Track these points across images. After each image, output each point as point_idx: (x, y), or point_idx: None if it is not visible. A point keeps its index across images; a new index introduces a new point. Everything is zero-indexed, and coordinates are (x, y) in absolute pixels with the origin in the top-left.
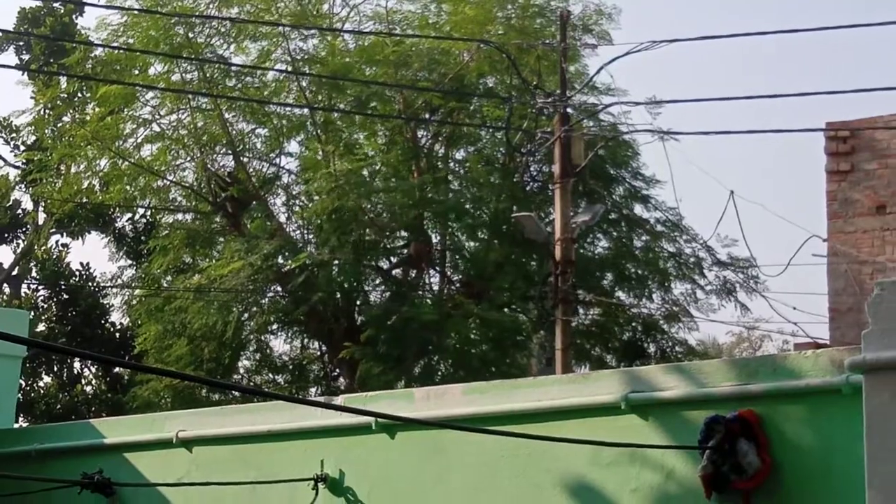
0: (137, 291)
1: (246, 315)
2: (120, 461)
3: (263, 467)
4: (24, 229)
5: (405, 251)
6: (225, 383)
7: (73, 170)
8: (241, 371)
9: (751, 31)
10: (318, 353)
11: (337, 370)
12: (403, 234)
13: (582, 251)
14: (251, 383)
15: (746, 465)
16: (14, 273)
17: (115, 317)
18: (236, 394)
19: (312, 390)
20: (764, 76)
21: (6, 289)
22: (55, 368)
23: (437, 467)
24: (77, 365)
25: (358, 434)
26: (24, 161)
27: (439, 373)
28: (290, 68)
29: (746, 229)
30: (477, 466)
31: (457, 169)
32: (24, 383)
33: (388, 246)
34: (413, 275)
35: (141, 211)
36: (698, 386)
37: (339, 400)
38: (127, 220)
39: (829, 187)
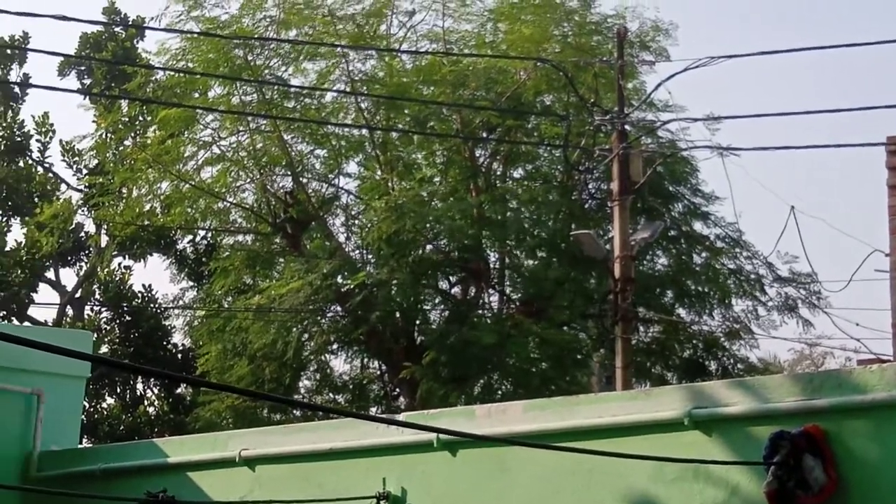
0: (199, 312)
1: (306, 335)
2: (183, 480)
3: (325, 485)
4: (86, 252)
5: (464, 271)
6: (290, 400)
7: (134, 193)
8: (302, 391)
9: (809, 45)
10: (378, 373)
11: (397, 389)
12: (462, 253)
13: (641, 268)
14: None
15: (812, 480)
16: (77, 295)
17: (177, 338)
18: (297, 414)
19: (373, 410)
20: (823, 90)
21: (70, 311)
22: (118, 390)
23: (498, 484)
24: (140, 386)
25: (419, 451)
26: (87, 185)
27: (499, 392)
28: (348, 89)
29: (807, 245)
30: (538, 483)
31: (515, 187)
32: (87, 405)
33: (447, 265)
34: (472, 294)
35: (202, 233)
36: (762, 401)
37: (400, 418)
38: (188, 242)
39: (891, 201)
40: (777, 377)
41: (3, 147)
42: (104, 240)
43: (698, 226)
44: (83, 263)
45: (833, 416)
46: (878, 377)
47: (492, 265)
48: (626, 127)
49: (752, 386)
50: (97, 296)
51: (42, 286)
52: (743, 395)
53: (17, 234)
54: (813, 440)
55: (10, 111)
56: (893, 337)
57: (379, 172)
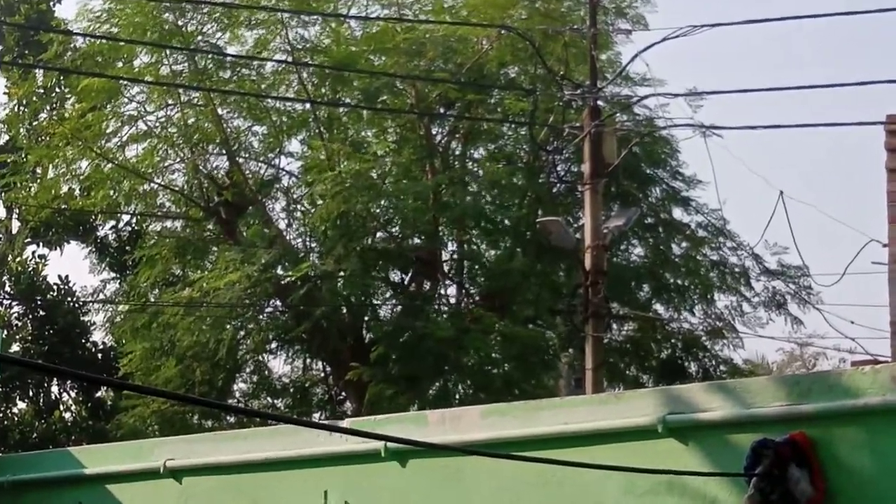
0: (122, 307)
1: (242, 332)
2: (102, 493)
3: (260, 499)
4: None
5: (418, 261)
6: (223, 404)
7: (50, 172)
8: (237, 394)
9: (800, 13)
10: (322, 375)
11: (343, 393)
12: (416, 242)
13: (615, 260)
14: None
15: (798, 493)
16: None
17: (97, 336)
18: (231, 420)
19: (316, 415)
20: (817, 65)
21: None
22: (31, 393)
23: (453, 498)
24: (55, 389)
25: (365, 461)
26: None
27: (457, 395)
28: (289, 58)
29: (798, 234)
30: (497, 497)
31: (475, 169)
32: None
33: (400, 255)
34: (427, 287)
35: (126, 218)
36: (744, 406)
37: (344, 424)
38: (110, 229)
39: (890, 187)
40: (760, 379)
41: None
42: (15, 225)
43: (678, 213)
44: None
45: (821, 423)
46: (872, 380)
47: (449, 254)
48: (599, 102)
49: (732, 389)
50: (7, 288)
51: None
52: (722, 399)
53: None
54: (799, 449)
55: None
56: (891, 336)
57: (324, 152)
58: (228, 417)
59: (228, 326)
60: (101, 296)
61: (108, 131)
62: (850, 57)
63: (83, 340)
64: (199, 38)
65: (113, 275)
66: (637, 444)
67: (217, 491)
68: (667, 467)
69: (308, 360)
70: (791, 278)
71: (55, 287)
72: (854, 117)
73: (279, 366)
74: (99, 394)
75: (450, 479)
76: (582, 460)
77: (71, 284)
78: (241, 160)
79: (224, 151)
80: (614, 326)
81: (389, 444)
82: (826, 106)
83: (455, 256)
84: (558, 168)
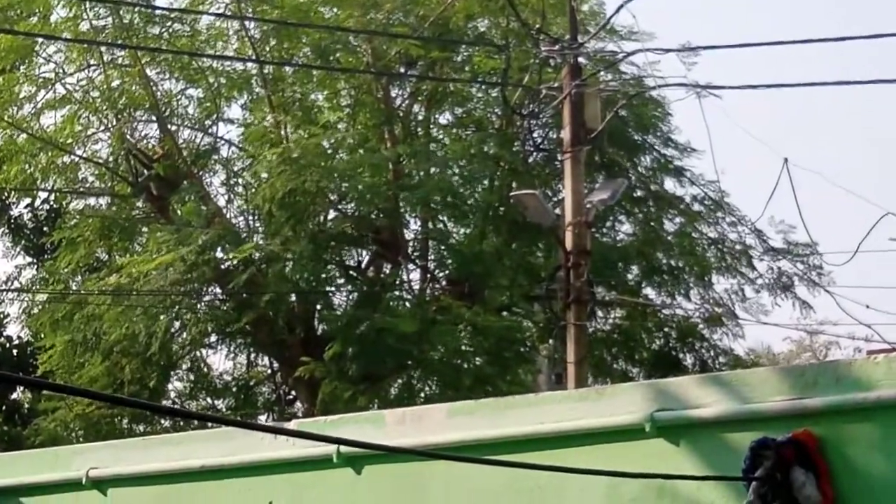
0: (40, 296)
1: (177, 324)
2: None
3: None
4: None
5: (377, 242)
6: (157, 406)
7: None
8: (173, 395)
9: None
10: (269, 372)
11: (292, 392)
12: (375, 220)
13: (599, 238)
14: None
15: (803, 499)
16: None
17: (12, 329)
18: (167, 424)
19: (262, 418)
20: (824, 18)
21: None
22: None
23: None
24: None
25: (316, 468)
26: None
27: (422, 394)
28: (230, 11)
29: (805, 208)
30: None
31: (441, 137)
32: None
33: (356, 236)
34: (388, 272)
35: (43, 195)
36: (742, 402)
37: (292, 426)
38: (25, 207)
39: None
40: (760, 371)
41: None
42: None
43: (670, 184)
44: None
45: (829, 420)
46: (885, 370)
47: (412, 235)
48: (581, 60)
49: (728, 383)
50: None
51: None
52: (718, 393)
53: None
54: (803, 449)
55: None
56: None
57: (269, 118)
58: (163, 421)
59: (162, 317)
60: (16, 284)
61: (21, 97)
62: (864, 8)
63: None
64: None
65: (29, 259)
66: (622, 445)
67: (147, 503)
68: (655, 470)
69: (252, 356)
70: (799, 257)
71: None
72: (868, 75)
73: (220, 362)
74: (14, 395)
75: (410, 487)
76: (560, 463)
77: None
78: (173, 128)
79: (154, 118)
80: (599, 314)
81: (342, 448)
82: (836, 63)
83: (419, 237)
84: (535, 135)
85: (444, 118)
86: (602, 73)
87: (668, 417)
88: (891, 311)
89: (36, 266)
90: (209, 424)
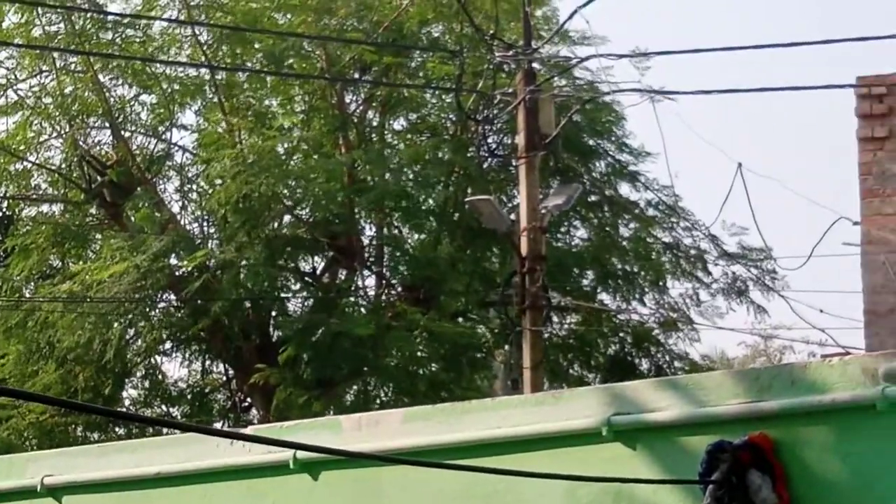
0: None
1: (131, 331)
2: None
3: None
4: None
5: (331, 248)
6: (113, 411)
7: None
8: (127, 403)
9: None
10: (224, 379)
11: (248, 399)
12: (329, 226)
13: (555, 243)
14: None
15: (760, 502)
16: None
17: None
18: (122, 433)
19: (217, 425)
20: (779, 23)
21: None
22: None
23: None
24: None
25: (272, 474)
26: None
27: (378, 400)
28: (182, 17)
29: (759, 212)
30: None
31: (395, 143)
32: None
33: (311, 242)
34: (343, 278)
35: None
36: (697, 405)
37: (248, 432)
38: None
39: (862, 158)
40: (716, 375)
41: None
42: None
43: (625, 189)
44: None
45: (784, 422)
46: (840, 373)
47: (367, 240)
48: (535, 65)
49: (684, 386)
50: None
51: None
52: (674, 397)
53: None
54: (760, 452)
55: None
56: (865, 326)
57: (223, 124)
58: (118, 429)
59: (115, 325)
60: None
61: None
62: (822, 15)
63: None
64: None
65: None
66: (579, 450)
67: None
68: (613, 474)
69: (207, 363)
70: (753, 262)
71: None
72: (822, 80)
73: (174, 369)
74: None
75: (367, 492)
76: (517, 468)
77: None
78: (126, 134)
79: (107, 124)
80: (555, 319)
81: (299, 454)
82: (791, 69)
83: (374, 242)
84: (489, 140)
85: (399, 124)
86: (556, 78)
87: (624, 421)
88: (844, 315)
89: None
90: (165, 431)
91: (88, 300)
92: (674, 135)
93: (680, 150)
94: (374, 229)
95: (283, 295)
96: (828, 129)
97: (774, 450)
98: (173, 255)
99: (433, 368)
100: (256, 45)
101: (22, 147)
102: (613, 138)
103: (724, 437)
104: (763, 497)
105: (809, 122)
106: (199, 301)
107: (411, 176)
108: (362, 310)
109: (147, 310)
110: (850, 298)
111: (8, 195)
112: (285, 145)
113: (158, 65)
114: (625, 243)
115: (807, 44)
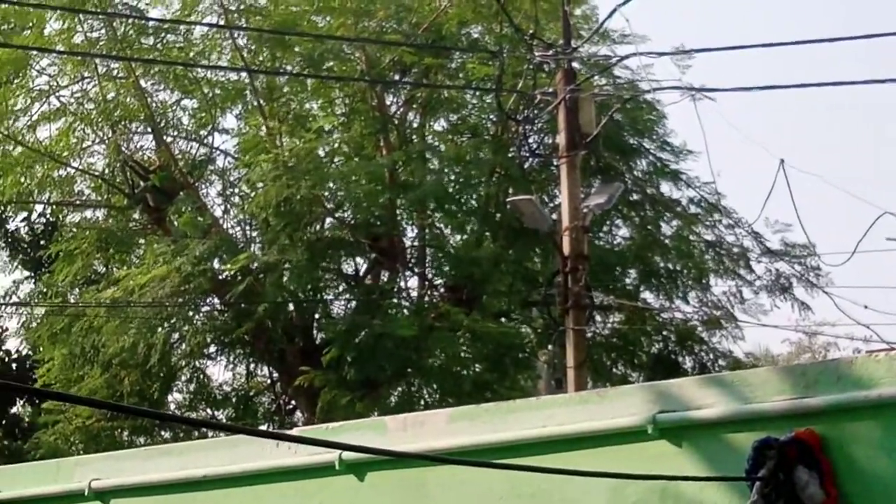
0: (38, 310)
1: (175, 335)
2: None
3: None
4: None
5: (374, 249)
6: (159, 413)
7: None
8: (173, 406)
9: None
10: (268, 382)
11: (292, 401)
12: (371, 228)
13: (597, 242)
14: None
15: (807, 498)
16: None
17: (11, 343)
18: (167, 436)
19: (262, 427)
20: (820, 20)
21: None
22: None
23: None
24: None
25: (318, 475)
26: None
27: (422, 401)
28: (222, 21)
29: (802, 209)
30: None
31: (436, 143)
32: None
33: (353, 244)
34: (385, 279)
35: (39, 208)
36: (743, 402)
37: (293, 433)
38: (22, 221)
39: None
40: (761, 371)
41: None
42: None
43: (666, 188)
44: None
45: (831, 419)
46: (886, 368)
47: (409, 242)
48: (574, 64)
49: (730, 383)
50: None
51: None
52: (719, 394)
53: None
54: (807, 449)
55: None
56: None
57: (263, 127)
58: (164, 432)
59: (160, 329)
60: (14, 298)
61: (16, 109)
62: (863, 8)
63: None
64: (118, 0)
65: (27, 273)
66: (625, 448)
67: None
68: (658, 472)
69: (252, 365)
70: (796, 258)
71: None
72: (865, 75)
73: (219, 373)
74: (15, 409)
75: (413, 492)
76: (562, 467)
77: None
78: (169, 139)
79: (150, 129)
80: (598, 318)
81: (345, 455)
82: (833, 64)
83: (416, 243)
84: (530, 140)
85: (440, 125)
86: (596, 77)
87: (670, 419)
88: (889, 311)
89: (34, 280)
90: (210, 434)
91: (133, 305)
92: (715, 133)
93: (721, 147)
94: (415, 230)
95: (326, 297)
96: (872, 123)
97: (821, 446)
98: (216, 258)
99: (477, 369)
100: (296, 49)
101: (65, 153)
102: (654, 137)
103: (771, 434)
104: (810, 493)
105: (852, 117)
106: (242, 304)
107: (452, 177)
108: (405, 311)
109: (191, 314)
110: (894, 294)
111: (52, 201)
112: (326, 148)
113: (199, 69)
114: (667, 241)
115: (850, 38)
